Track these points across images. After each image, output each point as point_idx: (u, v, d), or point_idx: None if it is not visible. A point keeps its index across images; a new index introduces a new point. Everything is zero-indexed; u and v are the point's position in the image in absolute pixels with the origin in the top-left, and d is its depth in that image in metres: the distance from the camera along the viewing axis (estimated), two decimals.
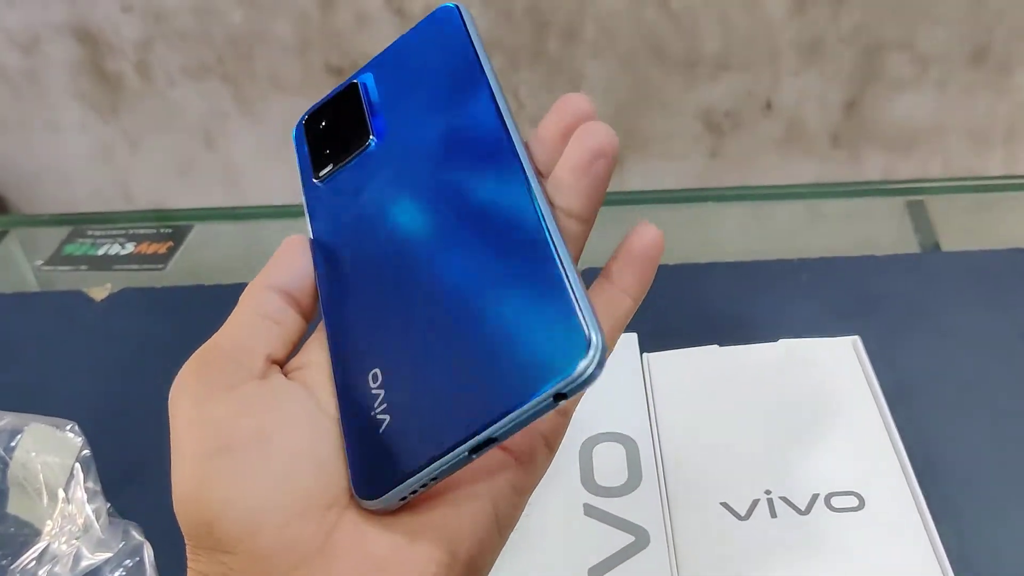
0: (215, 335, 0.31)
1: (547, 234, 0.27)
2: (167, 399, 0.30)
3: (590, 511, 0.43)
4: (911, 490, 0.41)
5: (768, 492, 0.42)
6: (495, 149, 0.30)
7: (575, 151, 0.30)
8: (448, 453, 0.26)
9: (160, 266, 0.63)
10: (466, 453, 0.26)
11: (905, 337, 0.53)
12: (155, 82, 0.98)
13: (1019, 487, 0.46)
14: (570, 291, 0.26)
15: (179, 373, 0.30)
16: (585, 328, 0.25)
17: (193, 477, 0.28)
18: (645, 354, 0.49)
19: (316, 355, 0.31)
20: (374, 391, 0.28)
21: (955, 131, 0.94)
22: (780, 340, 0.48)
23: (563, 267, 0.26)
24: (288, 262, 0.32)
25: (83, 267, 0.65)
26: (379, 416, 0.27)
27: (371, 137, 0.33)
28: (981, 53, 0.89)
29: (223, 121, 1.00)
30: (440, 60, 0.33)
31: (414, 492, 0.27)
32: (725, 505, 0.42)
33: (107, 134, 1.02)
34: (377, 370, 0.28)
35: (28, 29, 0.96)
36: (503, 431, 0.25)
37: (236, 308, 0.32)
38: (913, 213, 0.63)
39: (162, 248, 0.64)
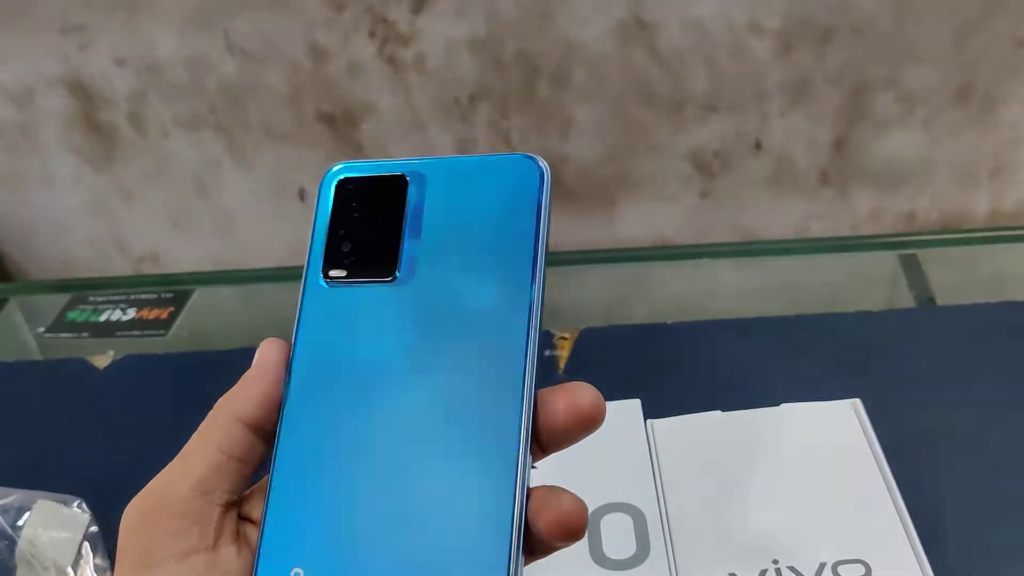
0: (173, 468, 0.30)
1: (514, 484, 0.28)
2: None
3: None
4: (916, 556, 0.42)
5: (776, 562, 0.42)
6: (506, 366, 0.30)
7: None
8: None
9: (162, 332, 0.64)
10: None
11: (904, 395, 0.53)
12: (148, 133, 0.98)
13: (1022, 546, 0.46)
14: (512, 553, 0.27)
15: (129, 509, 0.29)
16: None
17: None
18: (649, 421, 0.50)
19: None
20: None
21: (942, 168, 0.95)
22: (782, 404, 0.49)
23: (515, 526, 0.28)
24: (261, 388, 0.31)
25: (85, 334, 0.65)
26: None
27: (397, 274, 0.31)
28: (965, 90, 0.90)
29: (216, 170, 1.01)
30: (499, 216, 0.32)
31: None
32: None
33: (101, 186, 1.02)
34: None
35: (22, 83, 0.96)
36: None
37: (199, 437, 0.30)
38: (906, 266, 0.63)
39: (164, 313, 0.65)
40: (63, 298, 0.68)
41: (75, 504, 0.49)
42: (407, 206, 0.32)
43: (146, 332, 0.64)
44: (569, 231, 1.01)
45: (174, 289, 0.68)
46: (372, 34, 0.90)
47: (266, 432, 0.31)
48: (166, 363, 0.61)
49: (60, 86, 0.96)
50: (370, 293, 0.32)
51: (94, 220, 1.05)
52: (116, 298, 0.67)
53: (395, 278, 0.31)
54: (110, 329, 0.65)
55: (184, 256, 1.06)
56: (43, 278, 1.09)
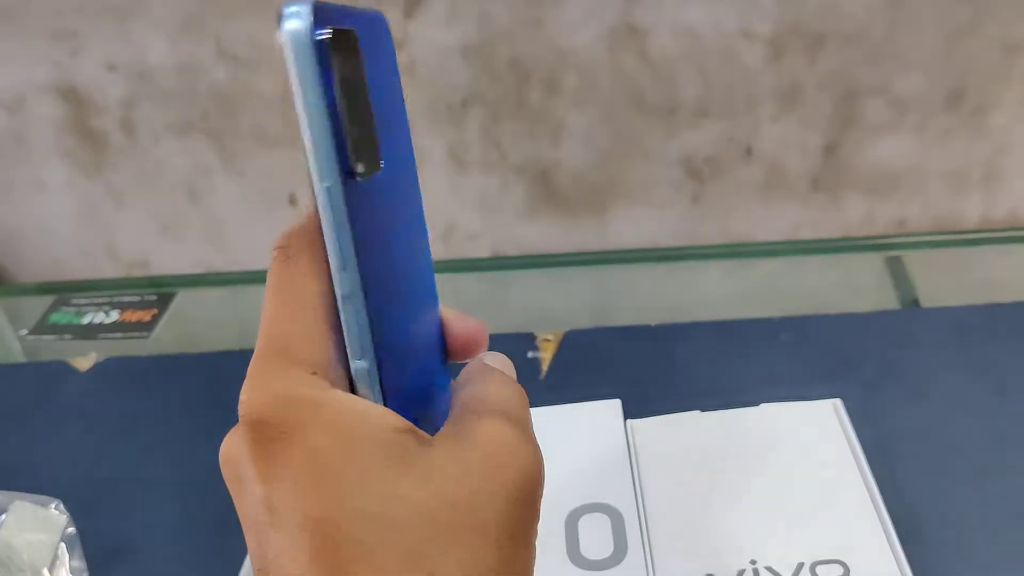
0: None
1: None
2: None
3: None
4: (895, 557, 0.41)
5: (753, 562, 0.42)
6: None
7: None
8: None
9: (145, 334, 0.63)
10: None
11: (886, 396, 0.53)
12: (140, 139, 0.98)
13: (1002, 547, 0.46)
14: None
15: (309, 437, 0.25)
16: None
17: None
18: (629, 420, 0.50)
19: None
20: None
21: (933, 174, 0.95)
22: (762, 404, 0.49)
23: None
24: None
25: (68, 336, 0.65)
26: None
27: (381, 162, 0.26)
28: (956, 96, 0.90)
29: (207, 176, 1.00)
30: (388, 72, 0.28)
31: None
32: None
33: (91, 191, 1.02)
34: None
35: (13, 89, 0.96)
36: None
37: None
38: (892, 268, 0.63)
39: (147, 316, 0.64)
40: (46, 300, 0.68)
41: (52, 505, 0.49)
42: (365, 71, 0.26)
43: (129, 334, 0.64)
44: (560, 237, 1.00)
45: (157, 291, 0.67)
46: None
47: None
48: (148, 365, 0.61)
49: (51, 92, 0.96)
50: (377, 183, 0.26)
51: (85, 226, 1.05)
52: (99, 300, 0.67)
53: (380, 167, 0.26)
54: (93, 331, 0.64)
55: (175, 263, 1.06)
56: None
